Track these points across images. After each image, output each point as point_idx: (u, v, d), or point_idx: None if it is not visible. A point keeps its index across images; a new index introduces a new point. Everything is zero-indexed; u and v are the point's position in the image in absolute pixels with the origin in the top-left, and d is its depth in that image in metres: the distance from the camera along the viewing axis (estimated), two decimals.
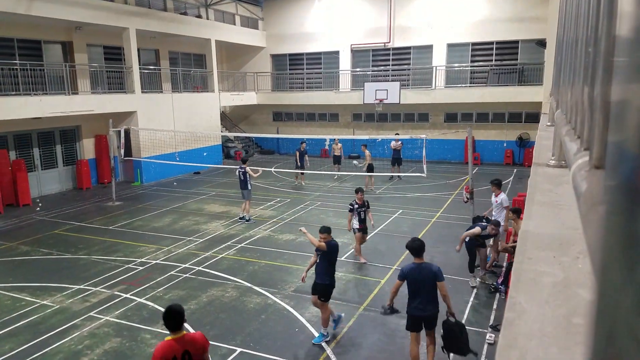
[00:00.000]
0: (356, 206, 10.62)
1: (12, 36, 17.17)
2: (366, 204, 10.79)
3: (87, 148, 20.03)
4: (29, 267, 10.91)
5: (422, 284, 6.22)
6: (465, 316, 8.17)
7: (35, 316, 8.41)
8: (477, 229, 9.08)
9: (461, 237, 9.30)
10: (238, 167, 14.26)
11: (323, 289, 7.37)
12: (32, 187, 17.43)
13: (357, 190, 10.90)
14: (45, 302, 8.94)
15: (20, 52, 17.47)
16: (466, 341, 6.26)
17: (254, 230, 13.35)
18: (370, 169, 17.68)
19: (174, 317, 4.53)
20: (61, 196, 18.34)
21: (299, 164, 18.80)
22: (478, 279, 9.40)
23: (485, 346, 7.23)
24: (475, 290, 9.17)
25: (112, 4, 18.54)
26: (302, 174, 18.94)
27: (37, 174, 18.26)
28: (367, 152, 18.03)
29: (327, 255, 7.34)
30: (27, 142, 17.94)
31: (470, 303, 8.67)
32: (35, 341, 7.55)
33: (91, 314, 8.47)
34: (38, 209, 16.23)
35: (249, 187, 14.09)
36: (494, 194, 10.43)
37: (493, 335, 7.40)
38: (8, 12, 14.90)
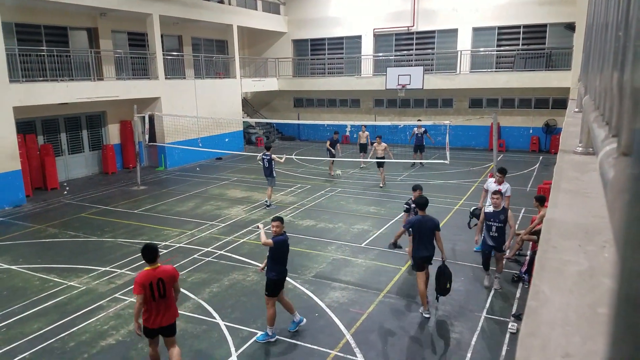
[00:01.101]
0: (413, 206, 9.12)
1: (39, 23, 17.46)
2: None
3: (112, 133, 20.37)
4: (56, 249, 11.21)
5: (425, 231, 7.77)
6: (487, 305, 8.12)
7: (63, 297, 8.66)
8: (482, 213, 8.73)
9: (477, 228, 9.01)
10: (262, 153, 14.23)
11: (267, 282, 7.06)
12: (59, 171, 17.85)
13: (416, 188, 9.16)
14: (72, 283, 9.19)
15: (47, 39, 17.77)
16: (444, 287, 7.78)
17: (275, 215, 13.42)
18: (380, 163, 16.36)
19: (149, 252, 5.82)
20: (87, 180, 18.74)
21: (333, 152, 18.12)
22: (496, 282, 8.66)
23: (507, 335, 7.19)
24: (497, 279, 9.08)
25: None
26: (332, 162, 18.46)
27: (64, 158, 18.68)
28: (382, 144, 16.37)
29: (275, 251, 6.93)
30: (54, 127, 18.34)
31: (492, 292, 8.60)
32: (63, 321, 7.79)
33: (116, 295, 8.68)
34: (65, 192, 16.63)
35: (274, 175, 14.10)
36: (492, 180, 10.15)
37: (515, 325, 7.35)
38: None
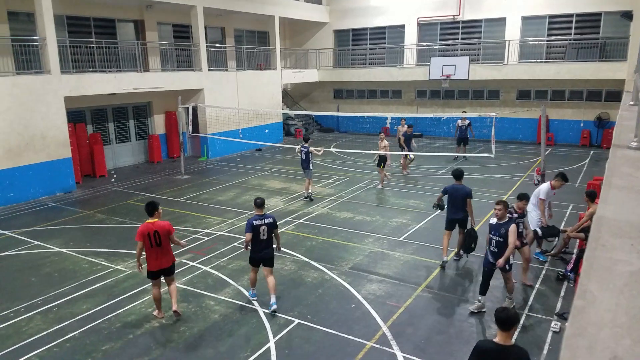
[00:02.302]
0: (515, 215, 8.26)
1: (88, 15, 18.07)
2: (525, 213, 8.66)
3: (157, 124, 20.93)
4: (104, 234, 11.64)
5: (457, 198, 9.16)
6: (529, 302, 7.89)
7: (110, 279, 9.00)
8: (512, 227, 7.27)
9: (486, 240, 7.77)
10: (300, 145, 14.24)
11: None
12: (107, 160, 18.52)
13: (522, 197, 8.35)
14: (118, 267, 9.53)
15: (96, 31, 18.37)
16: (469, 246, 9.12)
17: (313, 207, 13.49)
18: (380, 162, 15.35)
19: (149, 207, 7.32)
20: (134, 168, 19.35)
21: (406, 148, 16.99)
22: (508, 301, 7.64)
23: (550, 334, 6.96)
24: (541, 277, 8.81)
25: None
26: (406, 157, 17.12)
27: (112, 147, 19.35)
28: (385, 142, 15.24)
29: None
30: (103, 117, 19.00)
31: (535, 290, 8.35)
32: (110, 303, 8.10)
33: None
34: (113, 180, 17.24)
35: (311, 167, 14.01)
36: (546, 185, 9.26)
37: (559, 324, 7.11)
38: None
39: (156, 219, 7.29)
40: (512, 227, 7.25)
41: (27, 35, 15.41)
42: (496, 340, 4.45)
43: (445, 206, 9.59)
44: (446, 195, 9.39)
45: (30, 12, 15.39)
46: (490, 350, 4.43)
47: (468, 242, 9.11)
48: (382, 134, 15.85)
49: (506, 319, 4.42)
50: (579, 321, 1.05)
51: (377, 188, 15.37)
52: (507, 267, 7.40)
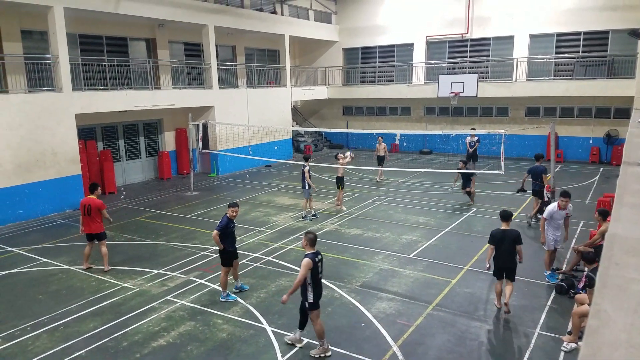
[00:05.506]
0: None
1: (101, 34, 18.39)
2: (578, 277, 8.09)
3: (168, 140, 21.11)
4: (112, 251, 11.60)
5: (537, 174, 12.65)
6: (541, 320, 7.76)
7: (117, 297, 8.98)
8: (304, 261, 6.73)
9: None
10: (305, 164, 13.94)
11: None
12: (117, 176, 18.66)
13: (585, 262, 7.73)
14: (126, 285, 9.52)
15: (108, 49, 18.68)
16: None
17: (322, 223, 13.45)
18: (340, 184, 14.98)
19: (92, 186, 10.14)
20: (143, 185, 19.47)
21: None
22: (318, 349, 6.86)
23: (562, 354, 6.83)
24: (552, 295, 8.68)
25: (193, 2, 19.32)
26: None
27: (122, 164, 19.51)
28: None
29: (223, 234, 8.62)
30: (113, 134, 19.20)
31: (547, 307, 8.22)
32: (117, 321, 8.06)
33: (168, 297, 8.92)
34: (122, 196, 17.33)
35: (307, 187, 13.63)
36: (554, 205, 9.30)
37: (571, 344, 6.96)
38: (98, 11, 15.98)
39: (94, 197, 9.91)
40: (304, 261, 6.65)
41: (40, 54, 15.70)
42: (502, 227, 7.98)
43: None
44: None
45: (43, 31, 15.71)
46: (498, 233, 7.91)
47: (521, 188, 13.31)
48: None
49: (505, 216, 8.05)
50: (593, 341, 1.03)
51: (386, 204, 15.31)
52: (307, 305, 6.78)
